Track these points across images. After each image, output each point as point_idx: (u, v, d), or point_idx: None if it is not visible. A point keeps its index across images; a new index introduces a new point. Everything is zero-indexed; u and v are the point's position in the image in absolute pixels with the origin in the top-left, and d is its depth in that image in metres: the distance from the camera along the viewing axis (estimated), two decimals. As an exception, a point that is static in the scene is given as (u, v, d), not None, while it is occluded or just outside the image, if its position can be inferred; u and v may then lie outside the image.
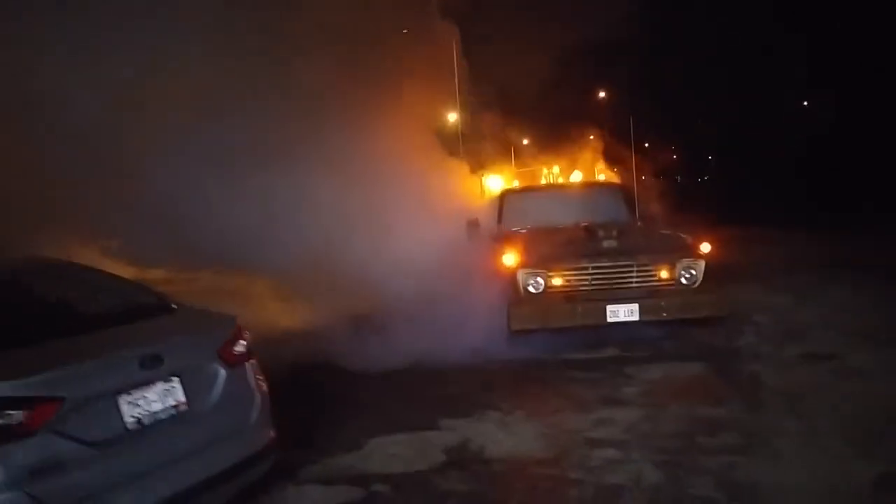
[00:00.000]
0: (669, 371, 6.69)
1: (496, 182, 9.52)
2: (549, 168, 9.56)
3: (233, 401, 3.72)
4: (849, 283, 10.73)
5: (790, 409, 5.38)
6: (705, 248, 7.54)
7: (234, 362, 3.81)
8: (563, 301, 7.29)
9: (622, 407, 5.71)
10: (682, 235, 7.78)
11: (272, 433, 4.04)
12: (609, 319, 7.18)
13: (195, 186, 8.11)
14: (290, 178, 8.73)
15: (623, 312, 7.18)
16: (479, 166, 10.99)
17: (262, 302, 9.68)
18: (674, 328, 7.80)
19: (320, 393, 6.58)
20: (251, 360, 4.00)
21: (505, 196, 9.09)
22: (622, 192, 9.06)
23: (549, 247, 7.54)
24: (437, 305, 8.05)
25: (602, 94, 51.76)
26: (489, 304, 7.60)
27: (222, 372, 3.68)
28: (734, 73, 34.64)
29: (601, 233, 7.57)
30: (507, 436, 5.22)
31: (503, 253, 7.48)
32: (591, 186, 9.35)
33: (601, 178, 9.39)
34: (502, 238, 8.22)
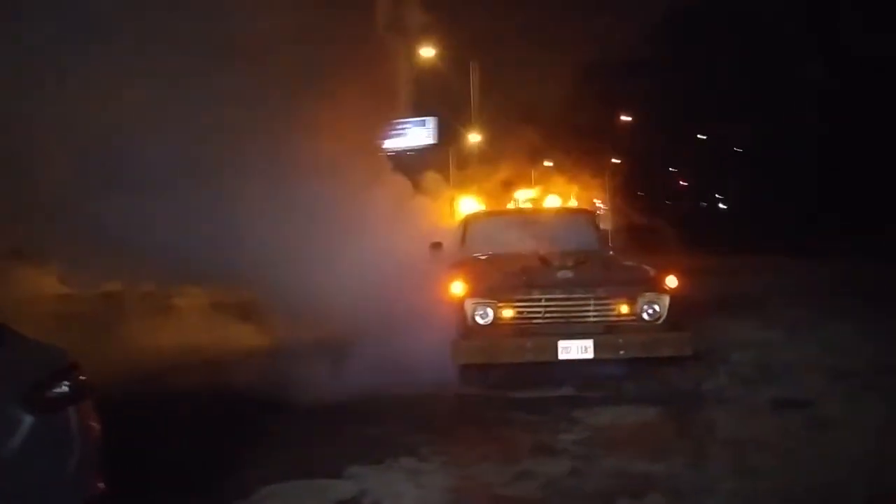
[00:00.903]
0: (620, 416, 6.07)
1: (469, 204, 8.99)
2: (522, 191, 9.00)
3: (40, 452, 3.22)
4: (851, 317, 9.98)
5: (735, 467, 4.74)
6: (671, 281, 6.92)
7: (47, 406, 3.31)
8: (513, 335, 6.73)
9: (552, 457, 5.10)
10: (646, 268, 7.16)
11: (99, 486, 3.52)
12: (561, 356, 6.58)
13: (141, 202, 7.73)
14: (246, 196, 8.33)
15: (576, 349, 6.59)
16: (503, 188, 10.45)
17: (218, 323, 9.26)
18: (640, 367, 7.14)
19: (241, 428, 6.07)
20: (80, 403, 3.49)
21: (468, 220, 8.56)
22: (592, 219, 8.48)
23: (500, 276, 6.99)
24: (390, 333, 7.59)
25: (625, 118, 51.35)
26: (443, 333, 7.07)
27: (27, 418, 3.19)
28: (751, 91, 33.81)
29: (556, 262, 7.00)
30: (410, 489, 4.64)
31: (451, 280, 6.94)
32: (559, 213, 8.77)
33: (572, 203, 8.78)
34: (460, 264, 7.68)
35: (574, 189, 9.68)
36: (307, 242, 8.32)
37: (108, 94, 6.93)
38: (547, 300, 6.77)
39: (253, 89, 7.75)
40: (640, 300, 6.80)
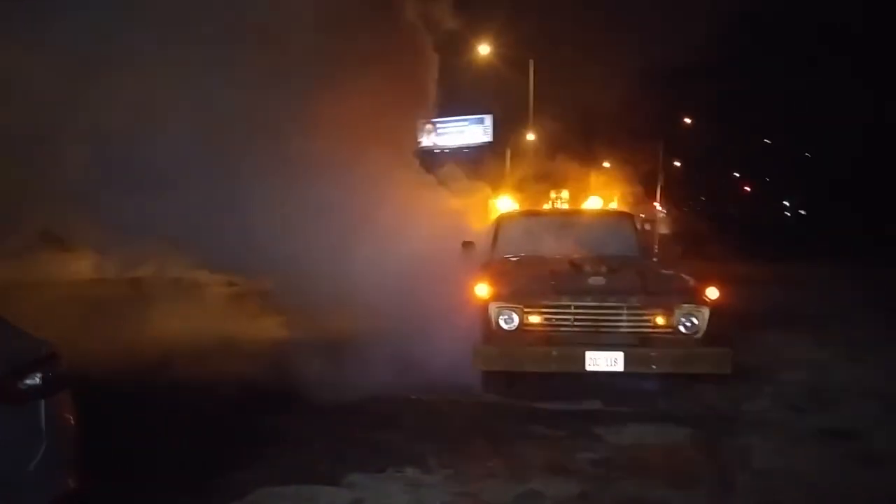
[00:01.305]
0: (646, 435, 5.65)
1: (506, 203, 8.64)
2: (558, 191, 8.58)
3: (4, 444, 3.06)
4: None
5: (762, 501, 4.30)
6: (711, 293, 6.44)
7: (16, 397, 3.15)
8: (539, 343, 6.36)
9: (564, 478, 4.73)
10: (685, 277, 6.68)
11: (70, 484, 3.35)
12: (588, 368, 6.19)
13: (166, 193, 7.68)
14: (290, 189, 8.22)
15: (605, 361, 6.18)
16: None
17: (238, 312, 9.13)
18: (677, 383, 6.71)
19: (245, 425, 5.87)
20: (54, 396, 3.33)
21: (501, 220, 8.20)
22: (632, 223, 8.01)
23: (528, 279, 6.63)
24: (416, 333, 7.33)
25: (687, 121, 49.96)
26: (470, 336, 6.76)
27: (-7, 409, 3.03)
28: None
29: (588, 267, 6.60)
30: (406, 502, 4.37)
31: (476, 282, 6.62)
32: (596, 215, 8.33)
33: (612, 205, 8.33)
34: (487, 265, 7.36)
35: (623, 190, 9.19)
36: (337, 237, 8.14)
37: (130, 84, 6.86)
38: (576, 307, 6.38)
39: (279, 83, 7.59)
40: (678, 312, 6.35)
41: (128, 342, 7.11)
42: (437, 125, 54.04)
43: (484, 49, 43.07)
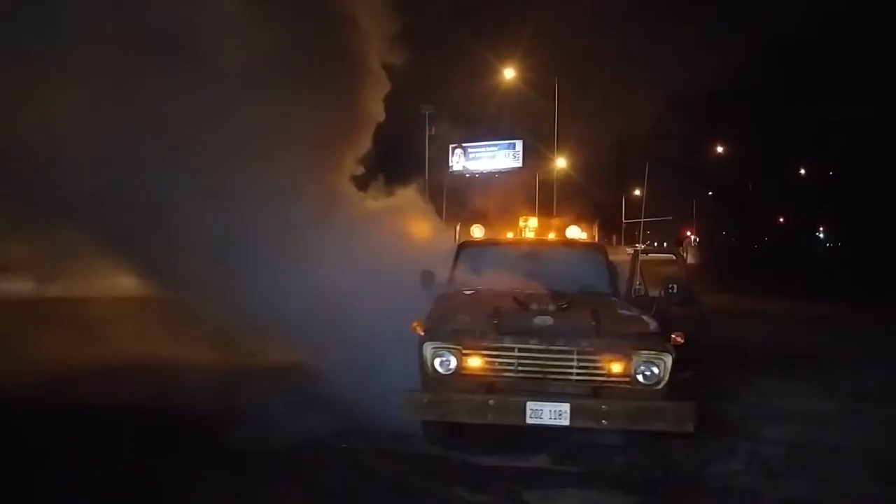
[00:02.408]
0: (582, 504, 4.89)
1: (477, 232, 7.93)
2: (525, 219, 7.85)
3: None
4: None
5: None
6: (677, 339, 5.67)
7: None
8: (477, 390, 5.64)
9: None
10: (647, 319, 5.89)
11: None
12: (529, 420, 5.43)
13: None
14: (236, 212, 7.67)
15: (549, 413, 5.42)
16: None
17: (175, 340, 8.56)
18: (645, 437, 5.91)
19: (144, 471, 5.26)
20: None
21: (460, 249, 7.51)
22: (603, 255, 7.24)
23: (469, 317, 5.91)
24: (366, 369, 6.71)
25: (721, 149, 48.85)
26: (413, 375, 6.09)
27: None
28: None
29: (535, 305, 5.86)
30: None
31: (415, 319, 5.93)
32: (566, 246, 7.58)
33: (578, 235, 7.53)
34: (438, 299, 6.66)
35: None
36: (288, 264, 7.55)
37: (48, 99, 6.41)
38: (520, 351, 5.65)
39: (212, 100, 7.07)
40: (636, 359, 5.57)
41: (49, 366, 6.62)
42: (468, 150, 54.04)
43: (509, 73, 42.89)
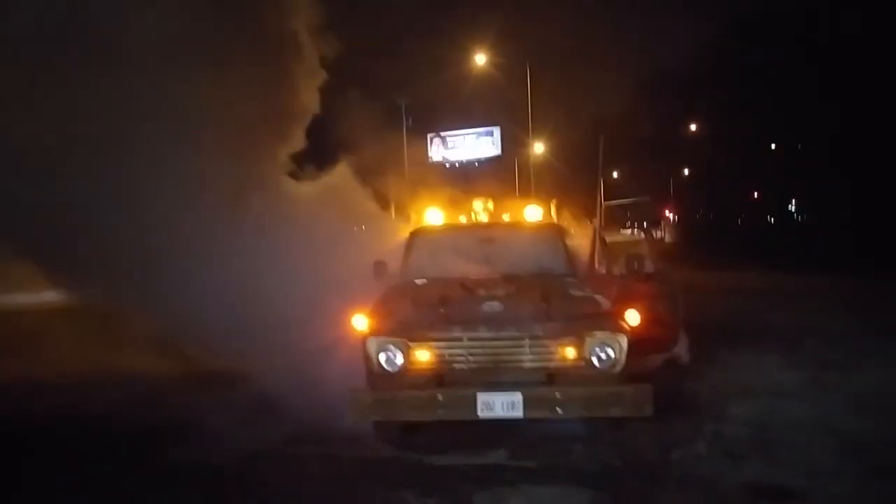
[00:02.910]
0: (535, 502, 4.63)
1: (436, 216, 7.61)
2: (485, 201, 7.53)
3: None
4: None
5: None
6: (631, 317, 5.43)
7: None
8: (427, 384, 5.36)
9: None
10: (600, 299, 5.64)
11: None
12: (481, 414, 5.16)
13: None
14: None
15: (501, 405, 5.16)
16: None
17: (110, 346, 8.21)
18: (609, 423, 5.66)
19: (77, 487, 4.96)
20: None
21: (412, 236, 7.21)
22: (559, 236, 6.97)
23: (415, 308, 5.63)
24: (317, 369, 6.41)
25: (694, 128, 48.80)
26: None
27: None
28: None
29: (482, 291, 5.58)
30: None
31: (356, 312, 5.63)
32: (521, 228, 7.30)
33: (534, 215, 7.25)
34: (387, 290, 6.35)
35: (555, 204, 8.08)
36: (225, 263, 7.20)
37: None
38: (470, 340, 5.38)
39: (139, 86, 6.69)
40: (589, 342, 5.32)
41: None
42: (447, 138, 53.59)
43: (480, 58, 42.51)
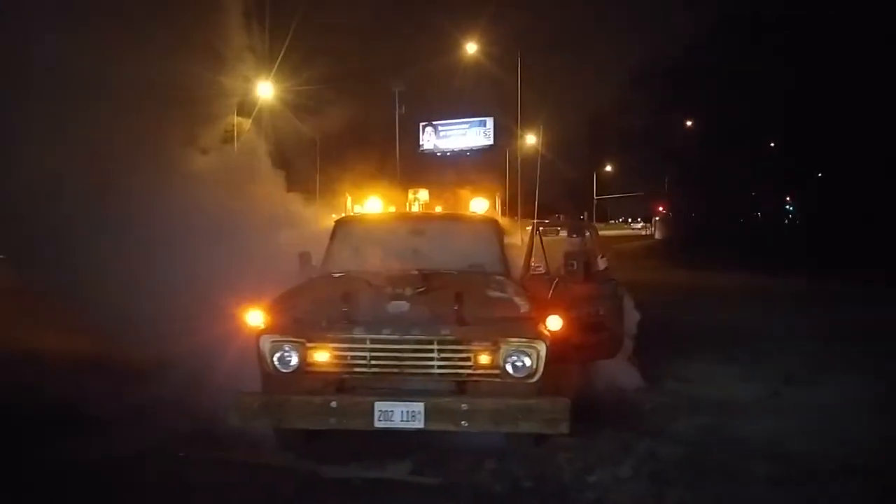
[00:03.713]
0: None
1: (376, 205, 7.05)
2: (415, 191, 6.98)
3: None
4: (873, 368, 7.75)
5: None
6: (553, 323, 4.88)
7: None
8: (325, 389, 4.82)
9: None
10: (519, 301, 5.08)
11: None
12: (378, 424, 4.63)
13: None
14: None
15: (401, 415, 4.62)
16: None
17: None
18: (531, 438, 5.13)
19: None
20: None
21: (336, 226, 6.66)
22: (492, 230, 6.41)
23: (315, 305, 5.08)
24: (227, 364, 5.88)
25: (689, 124, 48.18)
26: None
27: None
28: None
29: (390, 289, 5.03)
30: None
31: (248, 308, 5.08)
32: (453, 220, 6.75)
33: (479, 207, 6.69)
34: (298, 285, 5.80)
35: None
36: (133, 245, 6.66)
37: None
38: (373, 342, 4.83)
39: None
40: (504, 348, 4.78)
41: None
42: (439, 128, 52.99)
43: (471, 47, 41.93)
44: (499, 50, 41.27)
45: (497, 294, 5.19)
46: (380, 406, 4.63)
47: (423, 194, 6.97)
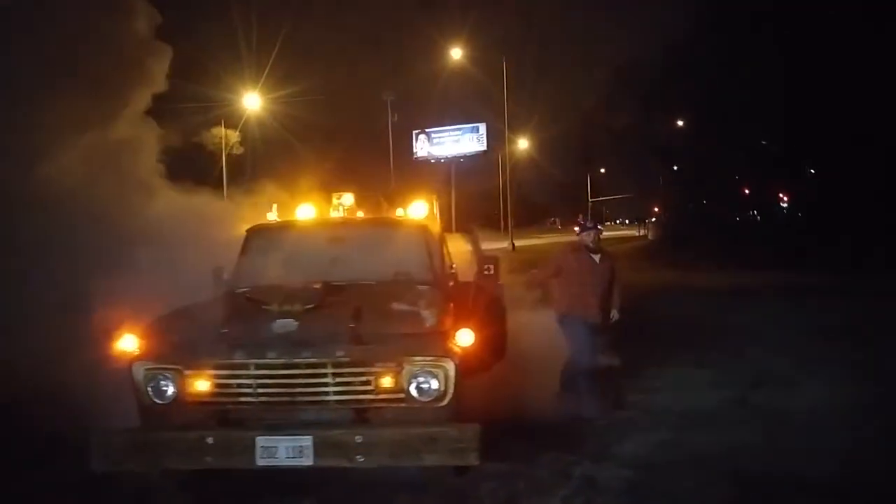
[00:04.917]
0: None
1: (306, 211, 6.44)
2: (339, 195, 6.36)
3: None
4: (854, 366, 7.14)
5: None
6: (464, 338, 4.26)
7: None
8: (199, 424, 4.20)
9: None
10: (426, 314, 4.44)
11: None
12: (260, 462, 4.01)
13: None
14: None
15: (286, 451, 4.00)
16: None
17: None
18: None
19: None
20: None
21: (248, 236, 6.04)
22: (420, 235, 5.78)
23: (198, 326, 4.46)
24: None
25: (681, 123, 47.54)
26: None
27: None
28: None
29: (276, 306, 4.41)
30: None
31: (122, 332, 4.47)
32: (375, 226, 6.13)
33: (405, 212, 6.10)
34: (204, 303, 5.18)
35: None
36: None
37: None
38: (258, 367, 4.22)
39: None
40: (408, 368, 4.16)
41: None
42: (432, 135, 52.57)
43: (456, 52, 41.52)
44: (488, 55, 40.93)
45: (404, 307, 4.53)
46: (262, 441, 4.02)
47: (348, 198, 6.34)
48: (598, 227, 6.62)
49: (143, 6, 7.73)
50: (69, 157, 6.90)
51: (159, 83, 8.00)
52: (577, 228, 6.63)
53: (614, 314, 6.38)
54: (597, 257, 6.30)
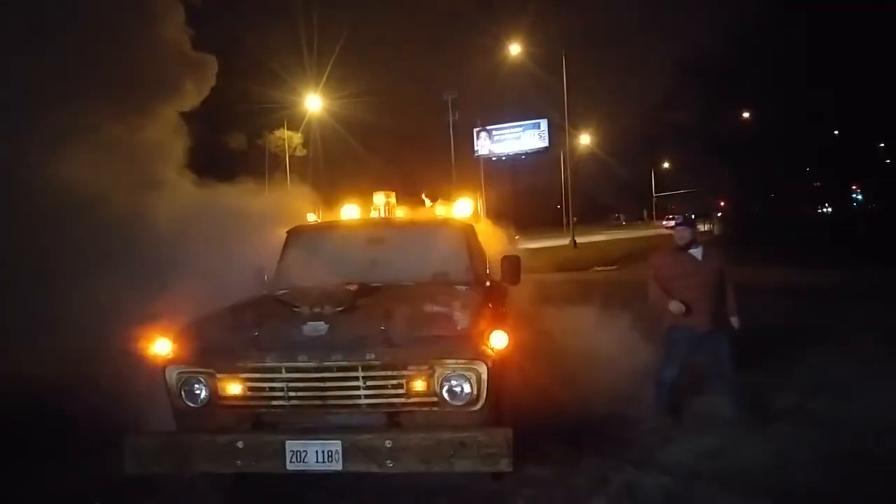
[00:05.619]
0: None
1: (352, 213, 6.44)
2: (388, 195, 6.27)
3: None
4: None
5: None
6: (497, 340, 4.14)
7: None
8: (234, 427, 4.20)
9: None
10: (457, 315, 4.33)
11: None
12: (290, 466, 3.99)
13: None
14: None
15: (316, 455, 3.97)
16: None
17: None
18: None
19: None
20: None
21: (289, 237, 6.04)
22: (460, 236, 5.65)
23: (231, 330, 4.46)
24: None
25: (746, 115, 46.11)
26: None
27: None
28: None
29: (307, 309, 4.36)
30: None
31: (155, 335, 4.50)
32: (414, 227, 6.03)
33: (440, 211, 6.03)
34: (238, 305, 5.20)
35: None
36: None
37: None
38: (289, 371, 4.20)
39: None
40: (440, 371, 4.07)
41: None
42: (493, 132, 52.38)
43: (515, 48, 41.14)
44: (548, 51, 40.42)
45: (438, 309, 4.44)
46: (292, 445, 3.99)
47: (380, 198, 6.27)
48: (692, 220, 5.86)
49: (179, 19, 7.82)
50: (113, 158, 7.08)
51: (204, 90, 8.14)
52: (668, 222, 6.04)
53: (735, 321, 5.62)
54: (699, 255, 5.57)
